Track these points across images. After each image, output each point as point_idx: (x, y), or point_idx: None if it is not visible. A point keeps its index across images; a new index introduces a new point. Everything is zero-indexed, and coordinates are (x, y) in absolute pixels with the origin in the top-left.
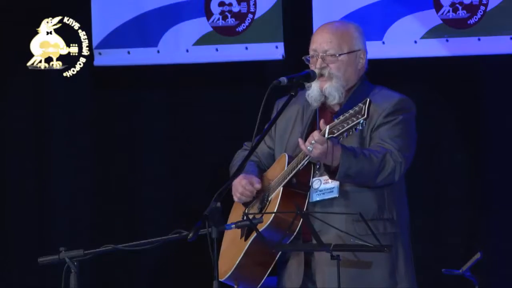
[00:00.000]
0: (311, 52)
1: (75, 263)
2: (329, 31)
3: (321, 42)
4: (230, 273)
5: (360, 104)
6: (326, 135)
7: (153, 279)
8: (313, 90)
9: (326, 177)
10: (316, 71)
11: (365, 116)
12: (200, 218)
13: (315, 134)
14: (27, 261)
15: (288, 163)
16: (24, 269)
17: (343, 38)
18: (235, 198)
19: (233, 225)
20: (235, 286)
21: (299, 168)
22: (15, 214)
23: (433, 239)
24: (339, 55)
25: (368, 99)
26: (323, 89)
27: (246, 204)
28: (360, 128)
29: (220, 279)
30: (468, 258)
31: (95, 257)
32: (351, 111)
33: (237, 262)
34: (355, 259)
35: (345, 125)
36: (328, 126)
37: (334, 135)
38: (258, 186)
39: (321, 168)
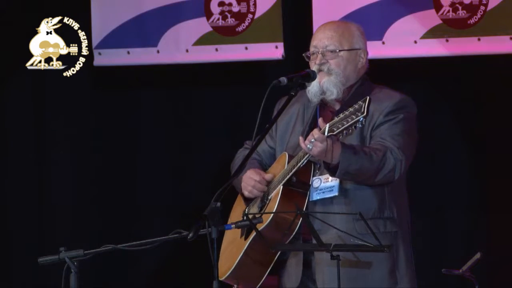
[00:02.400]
0: (311, 49)
1: (75, 263)
2: (331, 28)
3: (321, 38)
4: (229, 272)
5: (360, 102)
6: (326, 133)
7: (153, 279)
8: (313, 86)
9: (326, 175)
10: (316, 66)
11: (365, 113)
12: (200, 218)
13: (315, 132)
14: (27, 261)
15: (288, 162)
16: (24, 269)
17: (344, 35)
18: (246, 193)
19: (233, 225)
20: (235, 286)
21: (299, 167)
22: (15, 214)
23: (433, 239)
24: (339, 51)
25: (368, 97)
26: (321, 83)
27: (247, 203)
28: (360, 126)
29: (220, 279)
30: (468, 258)
31: (95, 257)
32: (350, 109)
33: (237, 261)
34: (355, 259)
35: (344, 123)
36: (328, 124)
37: (334, 133)
38: (268, 176)
39: (321, 167)
